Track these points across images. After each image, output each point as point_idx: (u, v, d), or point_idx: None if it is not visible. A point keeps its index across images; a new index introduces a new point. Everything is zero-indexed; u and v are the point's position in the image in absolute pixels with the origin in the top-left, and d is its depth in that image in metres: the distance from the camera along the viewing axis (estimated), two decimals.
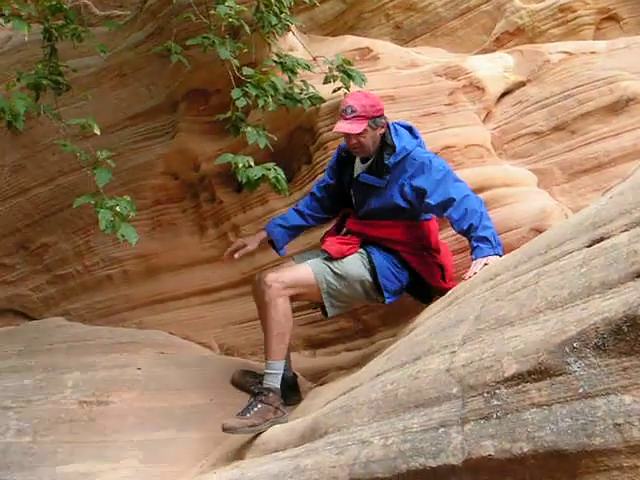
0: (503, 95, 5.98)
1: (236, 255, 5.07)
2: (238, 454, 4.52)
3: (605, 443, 2.32)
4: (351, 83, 5.53)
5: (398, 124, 5.00)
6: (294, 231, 5.23)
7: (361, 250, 4.93)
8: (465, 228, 4.66)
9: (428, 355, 3.29)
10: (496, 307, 3.12)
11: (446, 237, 5.25)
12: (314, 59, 5.94)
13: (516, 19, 6.67)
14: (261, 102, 5.26)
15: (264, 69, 5.54)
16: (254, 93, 5.22)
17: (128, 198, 4.86)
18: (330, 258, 4.83)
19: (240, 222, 6.24)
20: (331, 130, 5.09)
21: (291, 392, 5.05)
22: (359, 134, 4.78)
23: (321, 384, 5.39)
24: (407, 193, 4.81)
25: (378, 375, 3.60)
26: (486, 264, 4.36)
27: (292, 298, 4.77)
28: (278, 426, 4.47)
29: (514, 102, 5.91)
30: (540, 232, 4.55)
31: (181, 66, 5.82)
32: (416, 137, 4.98)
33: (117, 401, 5.22)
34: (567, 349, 2.50)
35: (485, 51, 6.65)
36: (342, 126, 4.78)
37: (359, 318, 5.74)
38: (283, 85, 5.49)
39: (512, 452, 2.54)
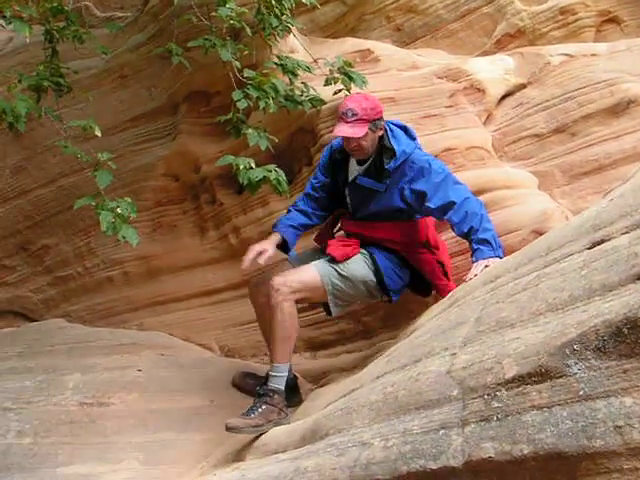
0: (504, 97, 5.99)
1: (261, 261, 4.88)
2: (238, 456, 4.53)
3: (605, 445, 2.32)
4: (352, 85, 5.53)
5: (392, 123, 4.98)
6: (301, 231, 5.16)
7: (363, 251, 4.94)
8: (465, 231, 4.67)
9: (428, 357, 3.29)
10: (496, 309, 3.12)
11: (446, 239, 5.25)
12: (315, 61, 5.94)
13: (517, 21, 6.67)
14: (262, 104, 5.27)
15: (265, 71, 5.55)
16: (255, 95, 5.22)
17: (129, 200, 4.87)
18: (334, 260, 4.83)
19: (241, 224, 6.25)
20: (332, 132, 5.07)
21: (291, 393, 5.05)
22: (360, 137, 4.76)
23: (322, 386, 5.38)
24: (407, 196, 4.81)
25: (378, 377, 3.60)
26: (487, 266, 4.37)
27: (297, 301, 4.77)
28: (279, 428, 4.48)
29: (515, 104, 5.91)
30: (541, 234, 4.55)
31: (182, 68, 5.83)
32: (413, 138, 4.97)
33: (118, 403, 5.22)
34: (567, 351, 2.50)
35: (486, 53, 6.65)
36: (343, 130, 4.73)
37: (360, 320, 5.74)
38: (284, 87, 5.49)
39: (512, 454, 2.54)
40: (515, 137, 5.75)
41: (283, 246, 5.05)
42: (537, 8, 6.65)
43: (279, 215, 5.88)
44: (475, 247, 4.60)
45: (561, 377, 2.50)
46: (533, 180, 5.51)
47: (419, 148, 4.93)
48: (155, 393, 5.32)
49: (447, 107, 5.77)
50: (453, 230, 4.80)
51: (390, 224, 4.94)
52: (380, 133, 4.81)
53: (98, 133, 5.14)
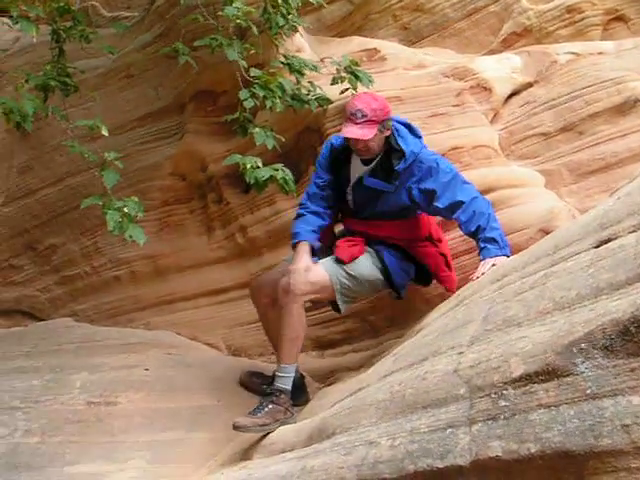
0: (510, 96, 5.98)
1: (310, 279, 4.74)
2: (246, 455, 4.53)
3: (613, 444, 2.32)
4: (358, 84, 5.52)
5: (395, 121, 4.94)
6: (319, 233, 5.02)
7: (369, 249, 4.94)
8: (473, 230, 4.67)
9: (436, 356, 3.29)
10: (504, 308, 3.12)
11: (453, 238, 5.25)
12: (321, 60, 5.94)
13: (523, 20, 6.66)
14: (269, 103, 5.27)
15: (271, 70, 5.55)
16: (262, 94, 5.23)
17: (136, 199, 4.88)
18: (342, 261, 4.82)
19: (248, 223, 6.25)
20: (339, 131, 5.05)
21: (299, 392, 5.05)
22: (369, 139, 4.72)
23: (329, 385, 5.39)
24: (415, 196, 4.80)
25: (386, 376, 3.60)
26: (494, 265, 4.37)
27: (305, 300, 4.79)
28: (285, 427, 4.49)
29: (521, 103, 5.90)
30: (548, 233, 4.55)
31: (189, 67, 5.84)
32: (419, 136, 4.95)
33: (125, 402, 5.23)
34: (575, 350, 2.50)
35: (492, 52, 6.64)
36: (353, 131, 4.68)
37: (367, 319, 5.74)
38: (291, 86, 5.49)
39: (519, 453, 2.54)
40: (522, 136, 5.74)
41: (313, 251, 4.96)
42: (544, 7, 6.63)
43: (285, 214, 5.90)
44: (482, 246, 4.60)
45: (568, 376, 2.50)
46: (540, 179, 5.50)
47: (425, 147, 4.92)
48: (162, 392, 5.32)
49: (454, 106, 5.76)
50: (460, 229, 4.80)
51: (395, 222, 4.94)
52: (387, 133, 4.78)
53: (105, 133, 5.15)
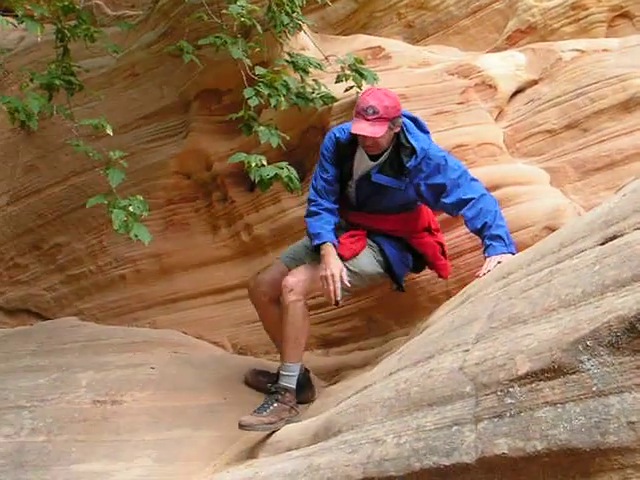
0: (515, 93, 5.97)
1: (345, 281, 4.67)
2: (251, 453, 4.54)
3: (619, 441, 2.32)
4: (363, 82, 5.52)
5: (403, 115, 4.87)
6: (335, 230, 4.94)
7: (370, 242, 4.94)
8: (479, 227, 4.66)
9: (441, 353, 3.29)
10: (509, 305, 3.12)
11: (458, 236, 5.25)
12: (326, 58, 5.94)
13: (528, 17, 6.66)
14: (273, 101, 5.27)
15: (276, 68, 5.55)
16: (266, 92, 5.22)
17: (141, 198, 4.88)
18: (343, 258, 4.82)
19: (253, 221, 6.25)
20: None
21: (304, 389, 5.06)
22: (379, 137, 4.69)
23: (334, 383, 5.40)
24: (423, 192, 4.79)
25: (391, 374, 3.60)
26: (499, 262, 4.36)
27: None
28: (291, 425, 4.50)
29: (526, 100, 5.89)
30: (553, 230, 4.55)
31: (193, 66, 5.84)
32: (426, 131, 4.93)
33: (131, 400, 5.23)
34: (580, 347, 2.50)
35: (497, 49, 6.64)
36: (363, 128, 4.63)
37: (372, 317, 5.74)
38: (295, 84, 5.49)
39: (526, 450, 2.54)
40: (527, 133, 5.73)
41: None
42: (548, 4, 6.63)
43: (290, 212, 5.91)
44: (488, 243, 4.60)
45: (574, 373, 2.50)
46: (545, 176, 5.49)
47: (432, 141, 4.91)
48: (168, 391, 5.32)
49: (458, 104, 5.76)
50: (466, 225, 4.79)
51: (398, 216, 4.94)
52: (397, 130, 4.76)
53: (110, 131, 5.16)
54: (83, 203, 5.40)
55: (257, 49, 5.55)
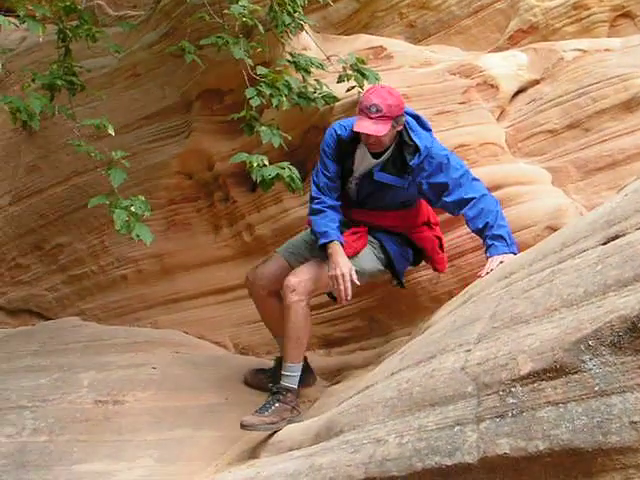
0: (517, 93, 5.96)
1: (355, 280, 4.67)
2: (253, 453, 4.54)
3: (621, 441, 2.32)
4: (365, 82, 5.52)
5: (405, 112, 4.85)
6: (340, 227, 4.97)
7: (371, 239, 4.94)
8: (480, 226, 4.66)
9: (443, 353, 3.29)
10: (511, 305, 3.12)
11: (460, 236, 5.24)
12: (328, 58, 5.94)
13: (530, 17, 6.65)
14: (275, 101, 5.27)
15: (278, 68, 5.55)
16: (268, 92, 5.23)
17: (143, 198, 4.88)
18: None
19: (254, 221, 6.25)
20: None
21: (305, 371, 5.04)
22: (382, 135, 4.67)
23: (336, 383, 5.40)
24: (425, 190, 4.79)
25: (393, 374, 3.60)
26: (502, 262, 4.36)
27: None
28: (293, 425, 4.50)
29: (528, 100, 5.89)
30: (555, 230, 4.55)
31: (195, 66, 5.85)
32: (428, 129, 4.92)
33: (132, 400, 5.23)
34: (582, 347, 2.50)
35: (499, 49, 6.63)
36: (366, 126, 4.61)
37: (374, 317, 5.74)
38: (297, 84, 5.49)
39: (528, 450, 2.54)
40: (529, 133, 5.73)
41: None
42: (550, 3, 6.62)
43: (292, 212, 5.90)
44: (489, 243, 4.60)
45: (576, 373, 2.50)
46: (547, 176, 5.49)
47: (435, 140, 4.89)
48: (170, 391, 5.33)
49: (460, 103, 5.75)
50: (467, 225, 4.79)
51: (398, 212, 4.94)
52: (400, 128, 4.75)
53: (111, 131, 5.16)
54: (85, 203, 5.41)
55: (259, 49, 5.55)
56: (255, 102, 5.20)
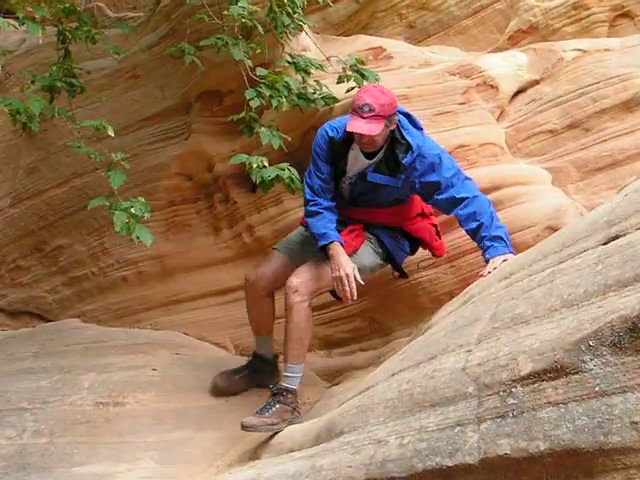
0: (517, 93, 5.96)
1: (359, 280, 4.68)
2: (254, 454, 4.54)
3: (622, 441, 2.32)
4: (365, 83, 5.52)
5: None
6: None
7: (369, 235, 4.94)
8: (474, 227, 4.65)
9: (444, 354, 3.29)
10: (511, 306, 3.12)
11: (460, 237, 5.23)
12: (327, 59, 5.94)
13: (529, 17, 6.66)
14: (275, 102, 5.27)
15: (277, 69, 5.55)
16: (268, 93, 5.23)
17: (142, 199, 4.88)
18: None
19: (254, 222, 6.25)
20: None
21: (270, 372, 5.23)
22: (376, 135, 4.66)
23: (336, 384, 5.40)
24: (417, 189, 4.80)
25: (394, 374, 3.60)
26: (505, 260, 4.35)
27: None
28: (294, 426, 4.50)
29: (528, 100, 5.89)
30: (555, 230, 4.55)
31: (194, 67, 5.84)
32: (420, 128, 4.90)
33: (133, 402, 5.24)
34: (583, 347, 2.50)
35: (498, 49, 6.64)
36: (359, 126, 4.58)
37: (374, 318, 5.74)
38: (297, 85, 5.50)
39: (528, 451, 2.54)
40: (528, 133, 5.73)
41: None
42: (550, 4, 6.63)
43: (292, 213, 5.90)
44: (488, 244, 4.58)
45: (577, 373, 2.50)
46: (547, 176, 5.49)
47: (427, 138, 4.88)
48: (170, 392, 5.33)
49: (460, 104, 5.75)
50: (460, 225, 4.77)
51: (392, 209, 4.94)
52: (393, 127, 4.73)
53: (111, 133, 5.16)
54: (85, 205, 5.41)
55: (258, 50, 5.54)
56: (255, 103, 5.21)
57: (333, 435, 3.66)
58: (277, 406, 4.61)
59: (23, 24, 5.25)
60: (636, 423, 2.30)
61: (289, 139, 5.39)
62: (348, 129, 4.63)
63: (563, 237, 3.32)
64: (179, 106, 6.78)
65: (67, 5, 5.74)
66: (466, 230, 4.76)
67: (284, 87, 5.33)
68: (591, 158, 5.44)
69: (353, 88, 5.54)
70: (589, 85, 5.56)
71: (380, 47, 6.29)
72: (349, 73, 5.58)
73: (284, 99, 5.31)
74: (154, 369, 5.55)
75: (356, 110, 4.61)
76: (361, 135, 4.64)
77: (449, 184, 4.69)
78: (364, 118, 4.56)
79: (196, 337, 6.35)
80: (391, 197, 4.88)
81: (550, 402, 2.54)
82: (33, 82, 5.62)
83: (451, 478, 2.80)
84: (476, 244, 4.72)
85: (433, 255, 5.19)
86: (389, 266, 5.11)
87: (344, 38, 6.81)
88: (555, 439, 2.46)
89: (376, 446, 3.21)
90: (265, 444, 4.51)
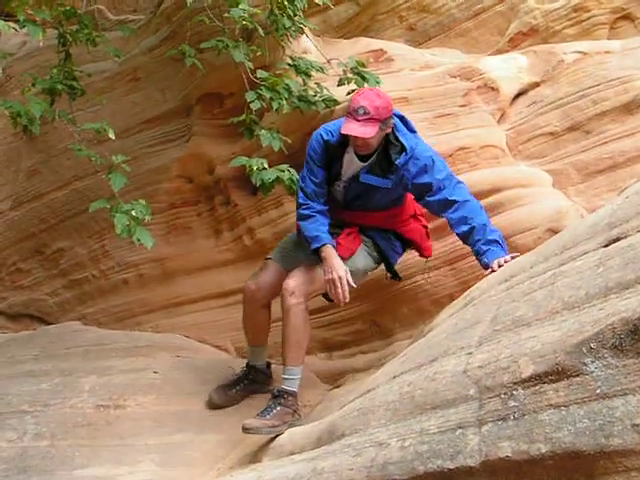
0: (517, 96, 5.97)
1: (352, 283, 4.67)
2: (255, 457, 4.53)
3: (623, 444, 2.32)
4: (365, 85, 5.51)
5: None
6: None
7: (364, 238, 4.95)
8: (466, 230, 4.63)
9: (445, 356, 3.28)
10: (512, 308, 3.11)
11: (454, 241, 5.21)
12: (328, 61, 5.95)
13: (530, 19, 6.67)
14: (275, 105, 5.27)
15: (278, 72, 5.56)
16: (268, 96, 5.23)
17: (143, 202, 4.88)
18: (340, 258, 4.81)
19: (255, 225, 6.25)
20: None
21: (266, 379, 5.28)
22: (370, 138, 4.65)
23: (337, 386, 5.39)
24: (409, 189, 4.81)
25: (395, 377, 3.60)
26: (506, 261, 4.34)
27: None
28: (295, 429, 4.49)
29: (528, 102, 5.89)
30: (556, 233, 4.54)
31: (195, 70, 5.85)
32: (413, 131, 4.90)
33: (134, 405, 5.23)
34: (584, 349, 2.49)
35: (499, 52, 6.64)
36: (354, 128, 4.58)
37: (375, 321, 5.74)
38: (297, 88, 5.50)
39: (530, 453, 2.53)
40: (529, 135, 5.73)
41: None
42: (550, 6, 6.64)
43: (293, 216, 5.88)
44: (485, 248, 4.56)
45: (578, 375, 2.50)
46: (547, 178, 5.49)
47: (420, 140, 4.88)
48: (171, 395, 5.33)
49: (461, 106, 5.75)
50: (452, 228, 4.75)
51: (387, 212, 4.94)
52: (388, 131, 4.72)
53: (112, 136, 5.17)
54: (85, 207, 5.42)
55: (259, 53, 5.55)
56: (255, 105, 5.21)
57: (334, 438, 3.66)
58: (278, 408, 4.62)
59: (24, 27, 5.25)
60: (637, 425, 2.29)
61: (289, 141, 5.39)
62: (342, 131, 4.64)
63: (564, 239, 3.32)
64: (180, 109, 6.79)
65: (68, 8, 5.75)
66: (457, 233, 4.74)
67: (284, 89, 5.33)
68: (592, 160, 5.44)
69: (354, 90, 5.54)
70: (590, 87, 5.56)
71: (381, 49, 6.29)
72: (350, 75, 5.58)
73: (284, 101, 5.31)
74: (155, 372, 5.55)
75: (351, 113, 4.61)
76: (355, 137, 4.64)
77: (441, 186, 4.69)
78: (359, 121, 4.56)
79: (197, 340, 6.35)
80: (385, 199, 4.88)
81: (551, 404, 2.54)
82: (34, 85, 5.63)
83: None
84: (469, 247, 4.71)
85: (421, 256, 5.21)
86: (381, 268, 5.12)
87: (345, 41, 6.81)
88: (556, 441, 2.46)
89: (377, 449, 3.21)
90: (266, 447, 4.51)
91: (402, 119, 4.86)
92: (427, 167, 4.70)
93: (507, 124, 5.85)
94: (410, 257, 5.29)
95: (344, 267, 4.66)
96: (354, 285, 4.67)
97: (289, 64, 5.70)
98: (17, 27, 5.38)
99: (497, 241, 4.57)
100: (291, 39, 5.97)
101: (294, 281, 4.72)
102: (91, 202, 5.01)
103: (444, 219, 4.94)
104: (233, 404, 5.25)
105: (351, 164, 4.85)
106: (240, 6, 5.29)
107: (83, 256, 7.12)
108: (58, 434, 4.99)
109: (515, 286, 3.36)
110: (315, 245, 4.73)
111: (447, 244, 5.30)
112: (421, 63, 6.24)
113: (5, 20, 5.17)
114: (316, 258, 4.75)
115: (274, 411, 4.60)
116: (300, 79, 5.67)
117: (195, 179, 6.67)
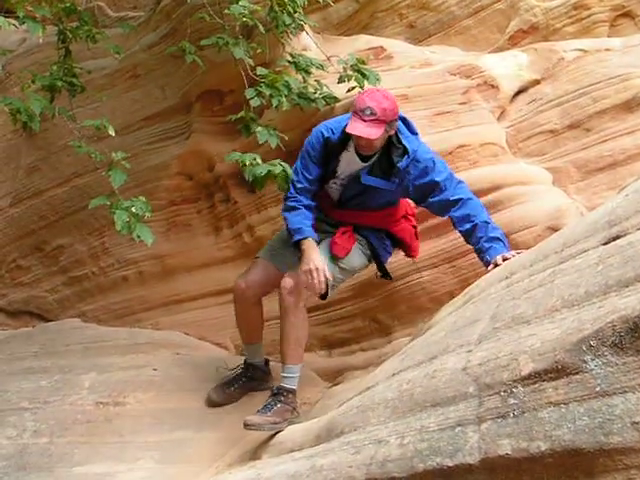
0: (517, 93, 5.97)
1: (328, 275, 4.66)
2: (254, 454, 4.53)
3: (623, 442, 2.32)
4: (365, 82, 5.51)
5: None
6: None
7: (358, 237, 4.95)
8: (469, 227, 4.63)
9: (444, 354, 3.28)
10: (512, 306, 3.11)
11: (460, 237, 5.22)
12: (328, 59, 5.93)
13: (530, 17, 6.65)
14: (275, 102, 5.27)
15: (278, 69, 5.56)
16: (268, 93, 5.22)
17: (143, 199, 4.88)
18: (337, 257, 4.81)
19: (255, 222, 6.25)
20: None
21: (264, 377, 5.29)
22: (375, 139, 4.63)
23: (337, 384, 5.39)
24: (410, 192, 4.80)
25: (394, 374, 3.60)
26: (507, 258, 4.34)
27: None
28: (294, 426, 4.50)
29: (528, 100, 5.89)
30: (555, 230, 4.54)
31: (195, 67, 5.85)
32: (415, 132, 4.89)
33: (133, 402, 5.24)
34: (584, 347, 2.49)
35: (499, 49, 6.63)
36: (360, 129, 4.55)
37: (375, 318, 5.74)
38: (297, 85, 5.49)
39: (529, 451, 2.53)
40: (529, 133, 5.73)
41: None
42: (550, 4, 6.62)
43: None
44: (487, 245, 4.56)
45: (578, 373, 2.49)
46: (547, 176, 5.49)
47: (421, 143, 4.87)
48: (171, 392, 5.33)
49: (461, 104, 5.75)
50: (454, 226, 4.75)
51: (382, 212, 4.95)
52: (392, 132, 4.72)
53: (112, 133, 5.16)
54: (85, 204, 5.42)
55: (259, 50, 5.54)
56: (255, 103, 5.21)
57: (333, 435, 3.66)
58: (278, 405, 4.62)
59: (23, 23, 5.25)
60: (637, 423, 2.29)
61: (286, 138, 5.38)
62: (348, 130, 4.61)
63: (564, 237, 3.32)
64: (180, 106, 6.78)
65: (67, 4, 5.74)
66: (460, 231, 4.74)
67: (284, 86, 5.32)
68: (592, 158, 5.44)
69: (354, 88, 5.53)
70: (590, 85, 5.56)
71: (381, 47, 6.28)
72: (350, 73, 5.57)
73: (284, 98, 5.30)
74: (154, 369, 5.55)
75: (357, 112, 4.58)
76: (360, 138, 4.63)
77: (442, 187, 4.69)
78: (365, 121, 4.54)
79: (197, 337, 6.35)
80: (382, 200, 4.88)
81: (551, 402, 2.54)
82: (33, 81, 5.62)
83: (452, 478, 2.80)
84: (471, 245, 4.71)
85: (408, 256, 5.22)
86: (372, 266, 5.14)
87: (345, 38, 6.81)
88: (556, 439, 2.46)
89: (377, 446, 3.21)
90: (265, 444, 4.51)
91: (404, 121, 4.86)
92: (428, 169, 4.71)
93: (507, 122, 5.85)
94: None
95: (322, 260, 4.67)
96: (330, 278, 4.67)
97: (289, 61, 5.69)
98: (17, 24, 5.37)
99: (499, 238, 4.57)
100: (291, 36, 5.96)
101: (292, 279, 4.72)
102: (91, 199, 5.01)
103: (443, 218, 4.96)
104: (232, 402, 5.26)
105: (350, 163, 4.84)
106: (240, 3, 5.28)
107: (83, 253, 7.11)
108: (57, 431, 5.00)
109: (515, 284, 3.36)
110: (297, 237, 4.76)
111: (446, 242, 5.30)
112: (421, 61, 6.23)
113: (5, 17, 5.16)
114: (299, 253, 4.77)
115: (274, 408, 4.61)
116: (300, 76, 5.66)
117: (195, 176, 6.67)
